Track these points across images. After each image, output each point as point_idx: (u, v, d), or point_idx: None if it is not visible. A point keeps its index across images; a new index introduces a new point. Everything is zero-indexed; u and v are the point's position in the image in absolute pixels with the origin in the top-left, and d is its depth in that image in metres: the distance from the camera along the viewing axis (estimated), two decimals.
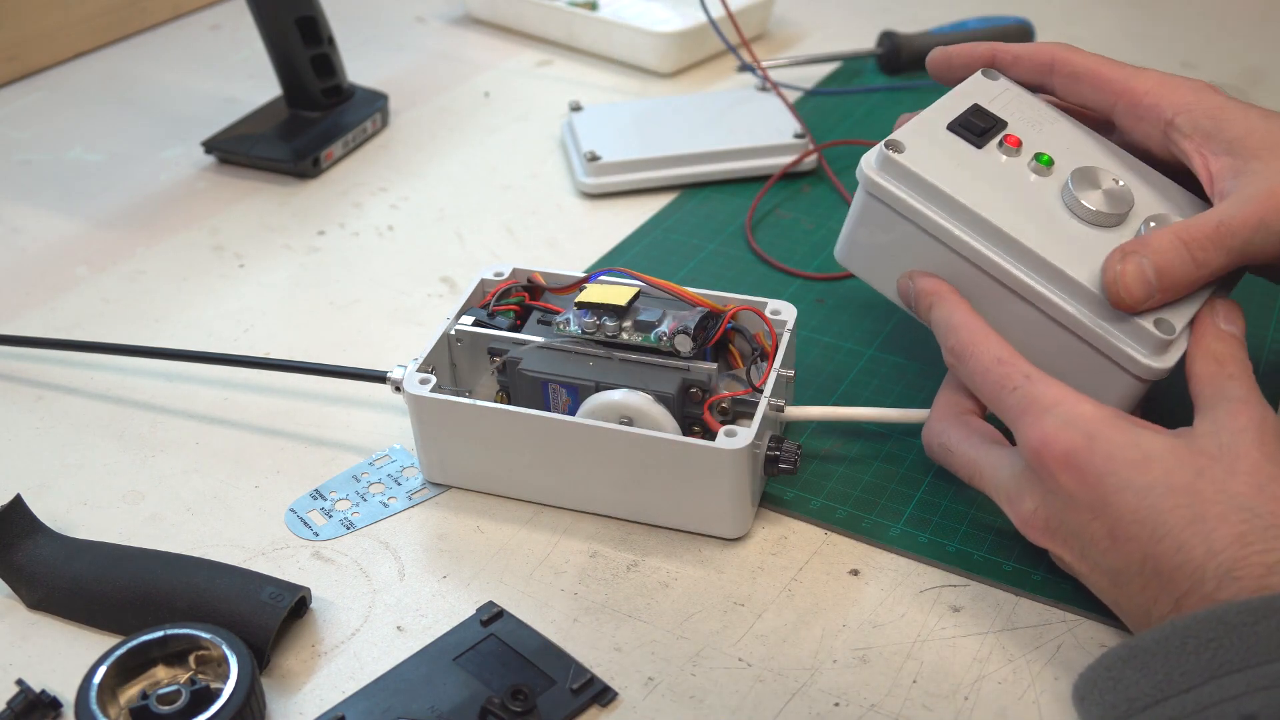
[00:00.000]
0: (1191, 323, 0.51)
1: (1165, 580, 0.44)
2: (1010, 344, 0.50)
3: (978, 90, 0.57)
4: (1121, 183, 0.54)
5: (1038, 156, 0.54)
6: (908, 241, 0.54)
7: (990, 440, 0.51)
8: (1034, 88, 0.58)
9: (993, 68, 0.59)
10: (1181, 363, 0.50)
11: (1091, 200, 0.53)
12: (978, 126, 0.55)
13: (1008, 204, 0.52)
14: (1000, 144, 0.55)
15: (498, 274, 0.61)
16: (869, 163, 0.53)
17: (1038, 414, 0.47)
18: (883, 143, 0.53)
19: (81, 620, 0.51)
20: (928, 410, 0.55)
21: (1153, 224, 0.53)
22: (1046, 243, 0.51)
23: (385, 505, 0.57)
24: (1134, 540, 0.44)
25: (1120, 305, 0.49)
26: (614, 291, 0.56)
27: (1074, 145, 0.56)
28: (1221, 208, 0.50)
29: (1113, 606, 0.47)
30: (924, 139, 0.54)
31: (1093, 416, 0.46)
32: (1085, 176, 0.54)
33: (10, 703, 0.46)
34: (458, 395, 0.54)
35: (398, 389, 0.56)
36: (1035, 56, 0.58)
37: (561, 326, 0.56)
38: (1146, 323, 0.49)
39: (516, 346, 0.57)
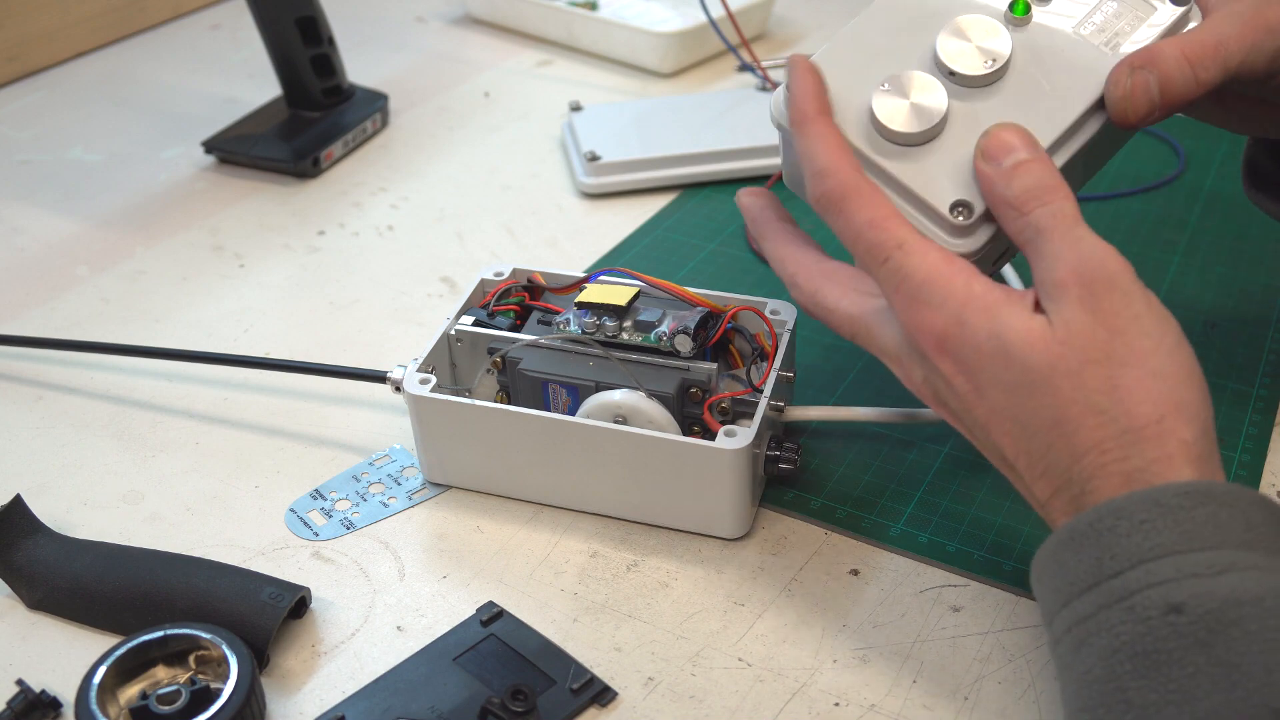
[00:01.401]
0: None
1: (1038, 476, 0.43)
2: (879, 189, 0.47)
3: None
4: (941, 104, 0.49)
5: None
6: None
7: (873, 295, 0.47)
8: None
9: None
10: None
11: (889, 116, 0.49)
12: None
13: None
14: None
15: (498, 274, 0.61)
16: (775, 100, 0.51)
17: (909, 293, 0.44)
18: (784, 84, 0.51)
19: (81, 620, 0.51)
20: (928, 410, 0.54)
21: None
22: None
23: (385, 505, 0.57)
24: (1009, 435, 0.43)
25: (1124, 123, 0.48)
26: (614, 291, 0.56)
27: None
28: (1221, 24, 0.48)
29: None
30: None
31: (962, 298, 0.43)
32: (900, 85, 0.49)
33: (10, 703, 0.46)
34: (458, 395, 0.54)
35: (398, 389, 0.56)
36: None
37: (561, 326, 0.56)
38: (943, 208, 0.47)
39: (516, 346, 0.57)
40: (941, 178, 0.48)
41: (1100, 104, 0.49)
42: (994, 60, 0.49)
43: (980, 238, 0.48)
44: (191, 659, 0.47)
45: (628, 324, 0.55)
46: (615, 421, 0.53)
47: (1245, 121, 0.56)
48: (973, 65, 0.49)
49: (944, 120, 0.49)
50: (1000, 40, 0.50)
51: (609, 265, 0.73)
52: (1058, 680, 0.41)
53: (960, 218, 0.47)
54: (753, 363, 0.56)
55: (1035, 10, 0.51)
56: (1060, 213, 0.44)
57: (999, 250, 0.50)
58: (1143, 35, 0.50)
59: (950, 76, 0.50)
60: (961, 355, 0.43)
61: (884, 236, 0.45)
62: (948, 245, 0.48)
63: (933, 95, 0.49)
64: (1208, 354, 0.64)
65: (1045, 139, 0.48)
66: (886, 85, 0.49)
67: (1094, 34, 0.50)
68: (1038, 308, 0.43)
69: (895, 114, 0.49)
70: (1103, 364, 0.41)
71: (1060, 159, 0.49)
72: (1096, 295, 0.42)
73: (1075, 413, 0.41)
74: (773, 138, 0.82)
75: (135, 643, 0.46)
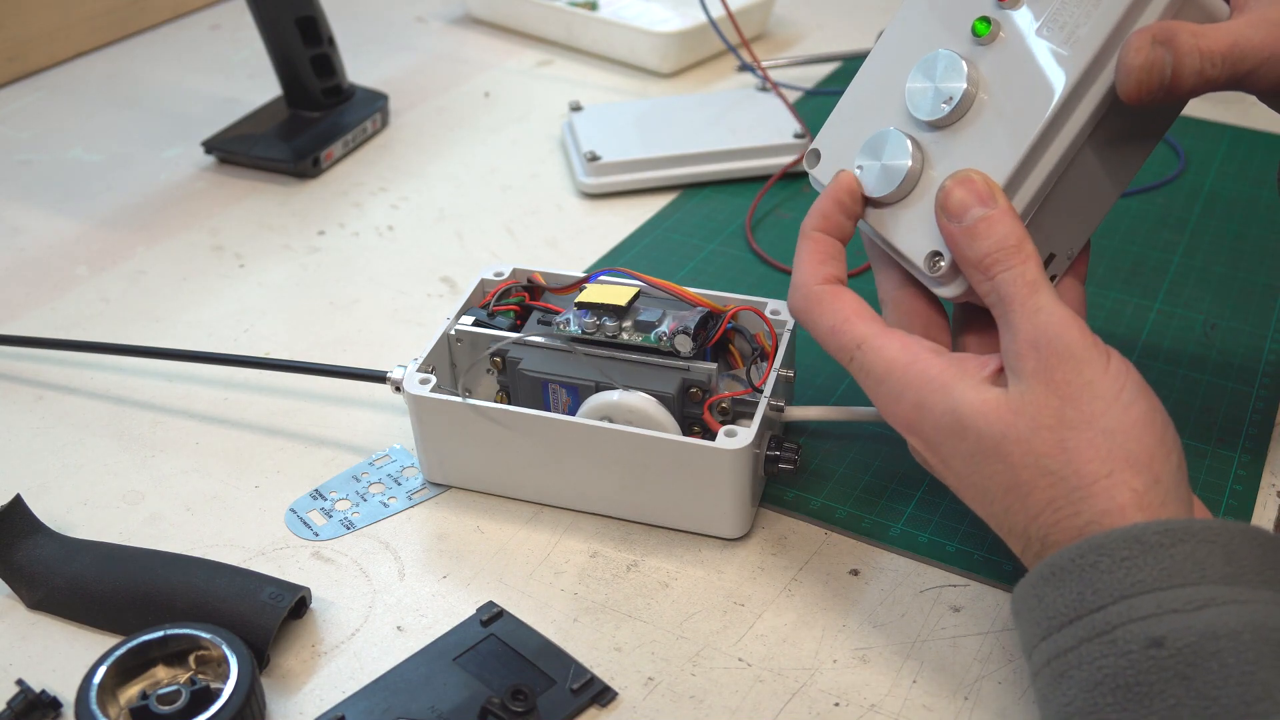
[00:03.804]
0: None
1: (1006, 534, 0.45)
2: (843, 293, 0.48)
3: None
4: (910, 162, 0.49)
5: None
6: None
7: None
8: None
9: None
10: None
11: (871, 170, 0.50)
12: None
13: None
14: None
15: (498, 274, 0.61)
16: (809, 168, 0.53)
17: (872, 387, 0.47)
18: (807, 152, 0.53)
19: (81, 620, 0.51)
20: None
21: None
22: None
23: (385, 505, 0.57)
24: (974, 501, 0.46)
25: (1132, 97, 0.45)
26: (614, 291, 0.56)
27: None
28: (1241, 27, 0.46)
29: None
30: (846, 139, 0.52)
31: (918, 384, 0.45)
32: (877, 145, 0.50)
33: (10, 703, 0.46)
34: (457, 395, 0.54)
35: (398, 389, 0.56)
36: None
37: (561, 326, 0.56)
38: (919, 260, 0.48)
39: (516, 346, 0.57)
40: (919, 229, 0.49)
41: (1070, 103, 0.46)
42: (951, 99, 0.48)
43: (962, 283, 0.48)
44: (191, 659, 0.47)
45: (628, 324, 0.55)
46: (615, 422, 0.53)
47: None
48: (933, 109, 0.49)
49: (915, 174, 0.49)
50: (955, 74, 0.48)
51: (609, 265, 0.73)
52: (1038, 710, 0.42)
53: (936, 268, 0.48)
54: (753, 363, 0.56)
55: (1007, 19, 0.48)
56: (1019, 279, 0.45)
57: None
58: (1104, 17, 0.46)
59: (921, 123, 0.49)
60: (925, 433, 0.46)
61: (844, 340, 0.48)
62: (938, 293, 0.49)
63: (897, 153, 0.49)
64: (1208, 354, 0.64)
65: (1008, 167, 0.47)
66: (863, 150, 0.50)
67: (1055, 32, 0.47)
68: (1000, 374, 0.45)
69: (870, 178, 0.50)
70: (1053, 429, 0.43)
71: (1034, 183, 0.47)
72: (1050, 367, 0.43)
73: (1027, 476, 0.43)
74: (772, 138, 0.82)
75: (135, 643, 0.46)
